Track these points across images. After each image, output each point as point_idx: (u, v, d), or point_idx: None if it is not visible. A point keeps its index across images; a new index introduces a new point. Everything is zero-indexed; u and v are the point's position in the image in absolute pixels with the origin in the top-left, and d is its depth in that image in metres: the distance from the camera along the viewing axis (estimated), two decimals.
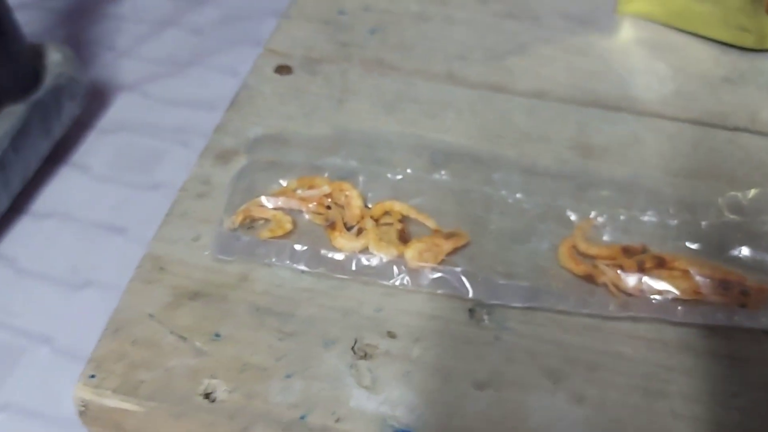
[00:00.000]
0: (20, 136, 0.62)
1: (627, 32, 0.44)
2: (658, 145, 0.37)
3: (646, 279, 0.30)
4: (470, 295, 0.30)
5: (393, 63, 0.41)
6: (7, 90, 0.61)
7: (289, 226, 0.32)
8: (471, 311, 0.30)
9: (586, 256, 0.32)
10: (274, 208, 0.33)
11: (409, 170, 0.34)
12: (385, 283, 0.31)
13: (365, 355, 0.29)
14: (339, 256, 0.31)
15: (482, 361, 0.29)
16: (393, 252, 0.31)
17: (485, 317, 0.30)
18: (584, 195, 0.34)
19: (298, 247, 0.31)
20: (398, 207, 0.33)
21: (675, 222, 0.33)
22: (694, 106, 0.40)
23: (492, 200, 0.34)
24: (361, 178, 0.34)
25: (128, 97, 0.75)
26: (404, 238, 0.32)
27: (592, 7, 0.46)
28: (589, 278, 0.31)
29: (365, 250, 0.32)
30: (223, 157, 0.36)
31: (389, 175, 0.34)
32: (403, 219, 0.33)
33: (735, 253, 0.32)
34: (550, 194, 0.34)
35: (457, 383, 0.28)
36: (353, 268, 0.31)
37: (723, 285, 0.30)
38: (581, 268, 0.31)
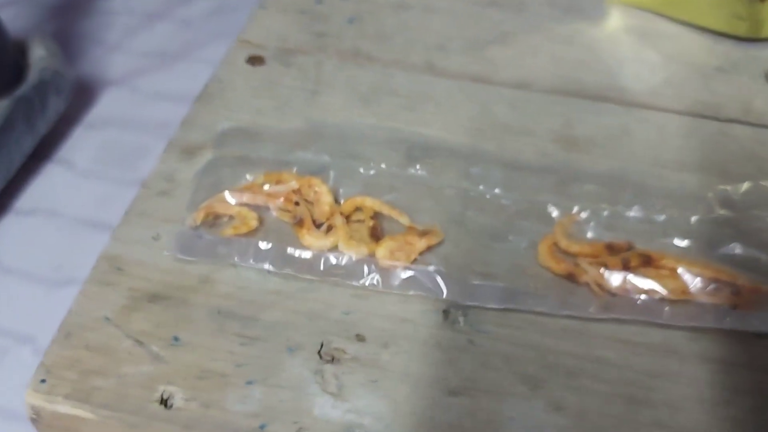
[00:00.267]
0: (3, 132, 0.60)
1: (615, 20, 0.42)
2: (646, 137, 0.36)
3: (631, 278, 0.29)
4: (444, 295, 0.29)
5: (370, 53, 0.40)
6: None
7: (254, 223, 0.31)
8: (445, 313, 0.29)
9: (567, 254, 0.30)
10: (239, 204, 0.31)
11: (383, 165, 0.33)
12: (354, 283, 0.29)
13: (332, 359, 0.27)
14: (306, 255, 0.29)
15: (455, 366, 0.27)
16: (363, 251, 0.30)
17: (460, 319, 0.29)
18: (567, 190, 0.32)
19: (263, 245, 0.30)
20: (370, 203, 0.31)
21: (663, 217, 0.31)
22: (685, 97, 0.38)
23: (469, 196, 0.32)
24: (332, 173, 0.32)
25: (116, 92, 0.73)
26: (376, 236, 0.30)
27: None
28: (571, 277, 0.30)
29: (335, 249, 0.30)
30: (189, 151, 0.34)
31: (362, 170, 0.32)
32: (376, 216, 0.31)
33: (726, 250, 0.30)
34: (531, 189, 0.32)
35: (429, 390, 0.27)
36: (321, 267, 0.29)
37: (713, 284, 0.29)
38: (562, 267, 0.30)
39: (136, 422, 0.26)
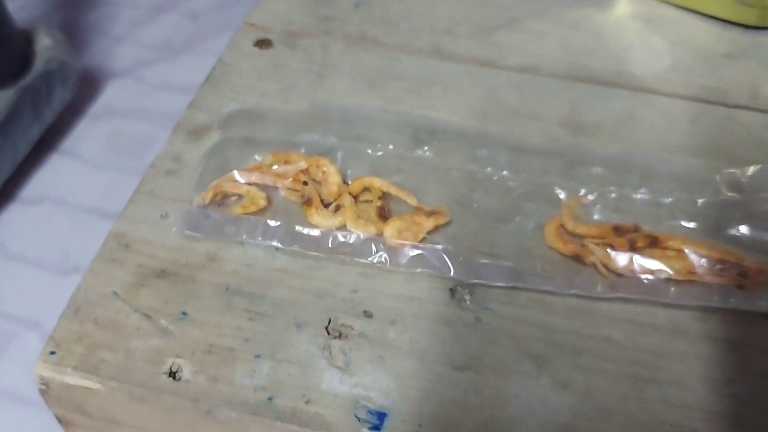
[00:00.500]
0: (9, 120, 0.61)
1: (623, 7, 0.42)
2: (653, 122, 0.36)
3: (637, 258, 0.29)
4: (451, 273, 0.29)
5: (376, 38, 0.40)
6: None
7: (262, 203, 0.31)
8: (452, 291, 0.29)
9: (574, 235, 0.30)
10: (248, 184, 0.31)
11: (390, 147, 0.33)
12: (362, 261, 0.29)
13: (339, 335, 0.27)
14: (315, 233, 0.30)
15: (462, 343, 0.27)
16: (371, 230, 0.30)
17: (466, 297, 0.29)
18: (574, 173, 0.32)
19: (271, 222, 0.30)
20: (378, 183, 0.31)
21: (670, 200, 0.31)
22: (693, 83, 0.38)
23: (476, 178, 0.32)
24: (339, 155, 0.32)
25: (121, 83, 0.74)
26: (384, 216, 0.30)
27: None
28: (577, 258, 0.30)
29: (342, 228, 0.30)
30: (196, 133, 0.34)
31: (369, 152, 0.32)
32: (383, 196, 0.31)
33: (733, 232, 0.30)
34: (537, 172, 0.32)
35: (435, 366, 0.27)
36: (329, 245, 0.29)
37: (720, 265, 0.29)
38: (569, 248, 0.30)
39: (143, 394, 0.26)
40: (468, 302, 0.28)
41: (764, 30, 0.41)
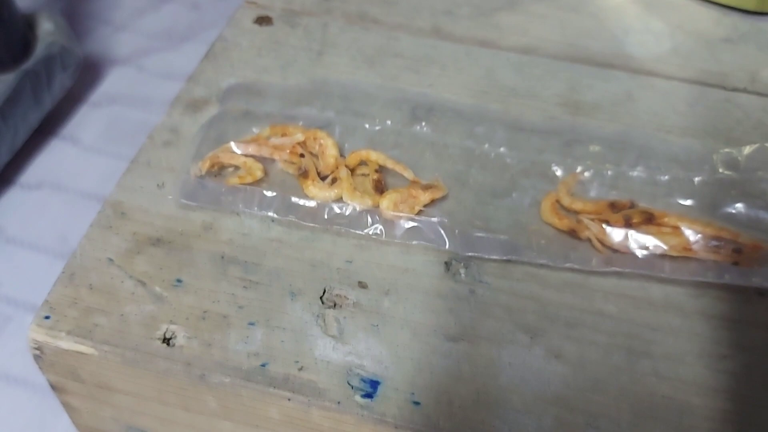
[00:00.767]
0: (9, 105, 0.61)
1: None
2: (651, 103, 0.36)
3: (632, 234, 0.29)
4: (446, 246, 0.29)
5: (376, 17, 0.40)
6: None
7: (259, 174, 0.31)
8: (447, 264, 0.29)
9: (570, 211, 0.30)
10: (245, 155, 0.31)
11: (388, 122, 0.33)
12: (358, 232, 0.29)
13: (334, 305, 0.27)
14: (311, 204, 0.30)
15: (456, 315, 0.27)
16: (368, 202, 0.30)
17: (461, 271, 0.29)
18: (571, 151, 0.32)
19: (267, 193, 0.30)
20: (375, 156, 0.31)
21: (666, 178, 0.31)
22: (692, 66, 0.38)
23: (473, 154, 0.32)
24: (337, 129, 0.32)
25: (122, 71, 0.74)
26: (380, 189, 0.30)
27: None
28: (573, 233, 0.30)
29: (339, 200, 0.30)
30: (194, 106, 0.34)
31: (367, 126, 0.32)
32: (380, 169, 0.31)
33: (729, 210, 0.30)
34: (535, 149, 0.32)
35: (428, 337, 0.27)
36: (325, 216, 0.29)
37: (715, 241, 0.29)
38: (564, 223, 0.30)
39: (137, 358, 0.26)
40: (463, 276, 0.28)
41: (764, 15, 0.41)
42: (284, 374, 0.25)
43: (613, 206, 0.30)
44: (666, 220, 0.29)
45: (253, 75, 0.36)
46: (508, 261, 0.29)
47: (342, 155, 0.32)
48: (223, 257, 0.29)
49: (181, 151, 0.32)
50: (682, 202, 0.31)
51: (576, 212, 0.30)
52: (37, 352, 0.27)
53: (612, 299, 0.28)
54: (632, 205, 0.30)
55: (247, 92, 0.34)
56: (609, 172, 0.31)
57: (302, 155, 0.31)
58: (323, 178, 0.31)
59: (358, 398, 0.25)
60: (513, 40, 0.39)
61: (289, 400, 0.25)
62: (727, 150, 0.32)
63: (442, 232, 0.29)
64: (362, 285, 0.28)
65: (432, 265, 0.29)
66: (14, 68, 0.60)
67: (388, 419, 0.24)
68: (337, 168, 0.31)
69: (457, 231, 0.29)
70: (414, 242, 0.29)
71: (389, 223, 0.29)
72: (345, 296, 0.28)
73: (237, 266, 0.28)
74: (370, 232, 0.29)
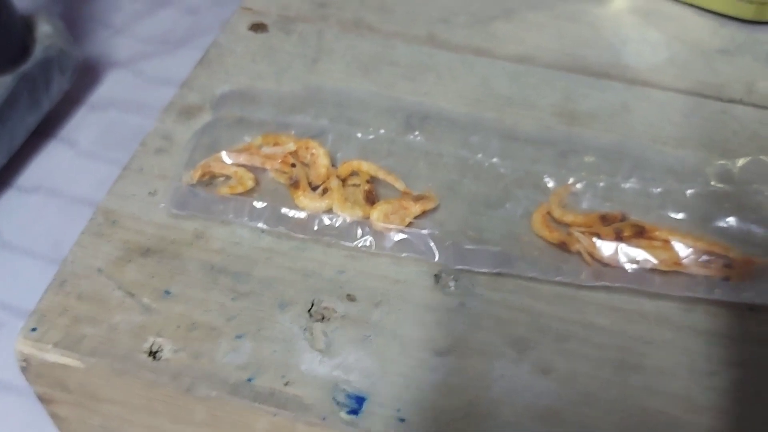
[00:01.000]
0: (6, 107, 0.61)
1: (621, 0, 0.42)
2: (647, 114, 0.35)
3: (623, 248, 0.29)
4: (436, 258, 0.29)
5: (372, 24, 0.39)
6: None
7: (250, 184, 0.31)
8: (437, 277, 0.29)
9: (561, 223, 0.30)
10: (236, 165, 0.31)
11: (381, 131, 0.33)
12: (348, 244, 0.29)
13: (322, 318, 0.27)
14: (301, 215, 0.29)
15: (445, 328, 0.27)
16: (358, 213, 0.30)
17: (451, 284, 0.28)
18: (566, 161, 0.32)
19: (258, 204, 0.29)
20: (366, 167, 0.31)
21: (659, 190, 0.31)
22: (688, 77, 0.38)
23: (467, 164, 0.32)
24: (330, 137, 0.32)
25: (120, 75, 0.74)
26: (371, 200, 0.30)
27: None
28: (563, 246, 0.29)
29: (329, 211, 0.30)
30: (187, 113, 0.34)
31: (359, 135, 0.32)
32: (371, 180, 0.31)
33: (721, 223, 0.30)
34: (528, 160, 0.32)
35: (417, 351, 0.26)
36: (315, 228, 0.29)
37: (705, 256, 0.28)
38: (555, 236, 0.30)
39: (123, 369, 0.26)
40: (452, 288, 0.28)
41: (761, 25, 0.41)
42: (270, 389, 0.25)
43: (605, 219, 0.30)
44: (657, 233, 0.29)
45: (247, 81, 0.36)
46: (499, 274, 0.28)
47: (334, 165, 0.32)
48: (212, 267, 0.29)
49: (173, 158, 0.32)
50: (674, 215, 0.30)
51: (567, 225, 0.30)
52: (24, 363, 0.26)
53: (603, 312, 0.28)
54: (623, 218, 0.30)
55: (241, 99, 0.34)
56: (601, 184, 0.31)
57: (293, 165, 0.31)
58: (314, 189, 0.31)
59: (343, 414, 0.25)
60: (509, 48, 0.39)
61: (274, 415, 0.25)
62: (721, 162, 0.32)
63: (432, 244, 0.29)
64: (351, 298, 0.28)
65: (422, 276, 0.29)
66: (12, 70, 0.60)
67: None
68: (328, 178, 0.31)
69: (447, 243, 0.29)
70: (404, 255, 0.29)
71: (379, 235, 0.29)
72: (333, 309, 0.28)
73: (227, 276, 0.28)
74: (360, 245, 0.29)
